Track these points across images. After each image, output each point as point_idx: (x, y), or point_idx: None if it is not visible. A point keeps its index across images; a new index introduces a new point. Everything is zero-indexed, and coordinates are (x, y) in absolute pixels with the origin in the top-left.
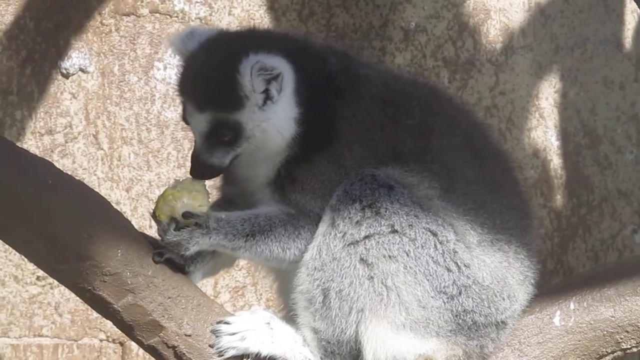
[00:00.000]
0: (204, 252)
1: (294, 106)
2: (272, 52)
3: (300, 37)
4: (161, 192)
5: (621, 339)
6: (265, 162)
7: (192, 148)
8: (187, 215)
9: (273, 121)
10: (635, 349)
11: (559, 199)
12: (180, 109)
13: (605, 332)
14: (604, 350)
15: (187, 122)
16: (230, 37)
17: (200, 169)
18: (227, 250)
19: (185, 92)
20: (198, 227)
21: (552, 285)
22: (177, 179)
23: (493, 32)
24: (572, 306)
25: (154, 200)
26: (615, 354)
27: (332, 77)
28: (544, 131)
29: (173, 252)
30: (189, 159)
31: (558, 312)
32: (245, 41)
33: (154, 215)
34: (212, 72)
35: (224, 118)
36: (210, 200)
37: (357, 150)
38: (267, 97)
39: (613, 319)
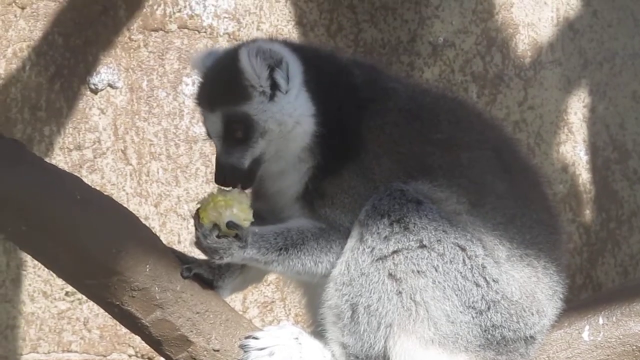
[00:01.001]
0: (233, 266)
1: (308, 101)
2: (275, 43)
3: (317, 46)
4: (207, 197)
5: None
6: (292, 172)
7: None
8: (231, 225)
9: (287, 112)
10: None
11: (588, 214)
12: (202, 123)
13: (634, 347)
14: None
15: (209, 135)
16: (240, 44)
17: (221, 173)
18: (260, 265)
19: (200, 100)
20: (237, 240)
21: (581, 300)
22: (221, 189)
23: (521, 47)
24: (601, 321)
25: (183, 216)
26: None
27: (356, 88)
28: (572, 146)
29: (202, 267)
30: None
31: (587, 327)
32: (250, 42)
33: (196, 216)
34: (219, 72)
35: (233, 112)
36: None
37: (385, 164)
38: (275, 87)
39: None
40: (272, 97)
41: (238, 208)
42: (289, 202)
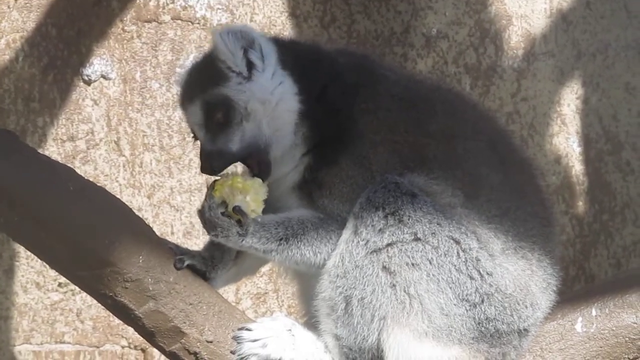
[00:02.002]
0: (226, 258)
1: (287, 78)
2: (245, 26)
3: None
4: (229, 174)
5: None
6: (288, 160)
7: None
8: (237, 210)
9: (267, 90)
10: None
11: (580, 206)
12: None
13: (627, 339)
14: (626, 356)
15: (193, 132)
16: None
17: (207, 162)
18: (258, 253)
19: (180, 99)
20: (238, 225)
21: (574, 291)
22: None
23: (515, 39)
24: (594, 312)
25: (176, 207)
26: None
27: (341, 73)
28: (565, 137)
29: (195, 258)
30: None
31: (580, 319)
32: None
33: (211, 187)
34: (194, 66)
35: (210, 96)
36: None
37: (382, 153)
38: (251, 67)
39: (635, 325)
40: (249, 78)
41: (252, 197)
42: (287, 192)
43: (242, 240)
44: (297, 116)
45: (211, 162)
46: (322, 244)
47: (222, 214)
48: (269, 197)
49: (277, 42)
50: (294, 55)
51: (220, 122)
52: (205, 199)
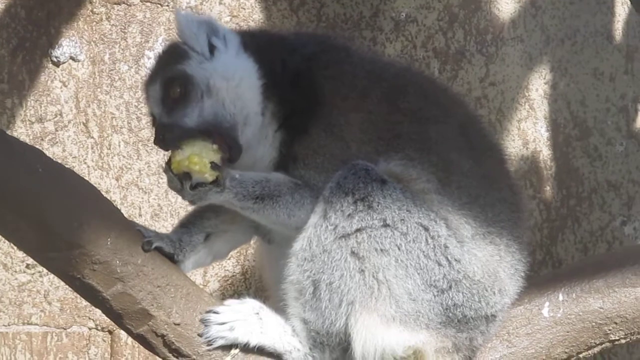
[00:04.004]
0: (194, 240)
1: (248, 59)
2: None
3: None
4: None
5: (609, 330)
6: (261, 140)
7: None
8: (214, 166)
9: (230, 68)
10: (623, 341)
11: (548, 191)
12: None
13: (593, 324)
14: (593, 341)
15: (152, 114)
16: None
17: (160, 134)
18: (236, 208)
19: (144, 86)
20: (214, 185)
21: (541, 276)
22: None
23: (483, 23)
24: (560, 297)
25: (144, 189)
26: (603, 345)
27: (297, 47)
28: (533, 122)
29: (163, 240)
30: None
31: (547, 304)
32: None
33: (168, 170)
34: (159, 53)
35: (169, 73)
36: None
37: (354, 121)
38: (214, 50)
39: (602, 310)
40: (211, 59)
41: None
42: (266, 170)
43: (221, 196)
44: (261, 94)
45: (164, 135)
46: (296, 208)
47: (192, 187)
48: None
49: (238, 32)
50: (253, 40)
51: (177, 97)
52: (173, 185)
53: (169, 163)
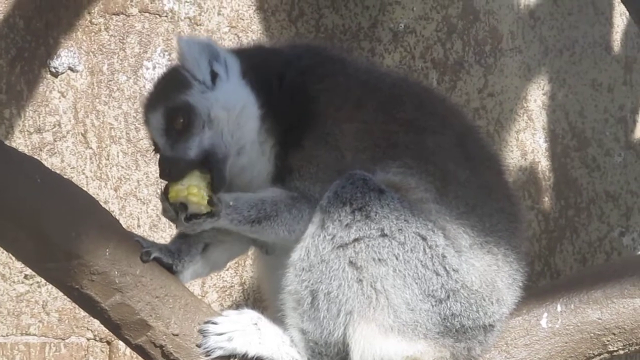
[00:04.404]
0: (193, 251)
1: (247, 86)
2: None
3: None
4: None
5: (608, 341)
6: (258, 158)
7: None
8: (210, 202)
9: (232, 97)
10: (621, 352)
11: (546, 201)
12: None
13: (592, 335)
14: (591, 352)
15: (154, 144)
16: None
17: (165, 169)
18: (233, 231)
19: (144, 110)
20: (209, 217)
21: (539, 287)
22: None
23: (482, 34)
24: (559, 308)
25: (142, 200)
26: (601, 356)
27: (291, 60)
28: (532, 133)
29: (161, 251)
30: None
31: (545, 314)
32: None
33: (165, 195)
34: (158, 80)
35: (172, 103)
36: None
37: (348, 131)
38: (215, 78)
39: (600, 321)
40: (212, 87)
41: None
42: (263, 184)
43: (216, 223)
44: (260, 122)
45: (170, 169)
46: (295, 222)
47: (187, 218)
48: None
49: (236, 53)
50: (251, 61)
51: (181, 129)
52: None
53: (165, 192)
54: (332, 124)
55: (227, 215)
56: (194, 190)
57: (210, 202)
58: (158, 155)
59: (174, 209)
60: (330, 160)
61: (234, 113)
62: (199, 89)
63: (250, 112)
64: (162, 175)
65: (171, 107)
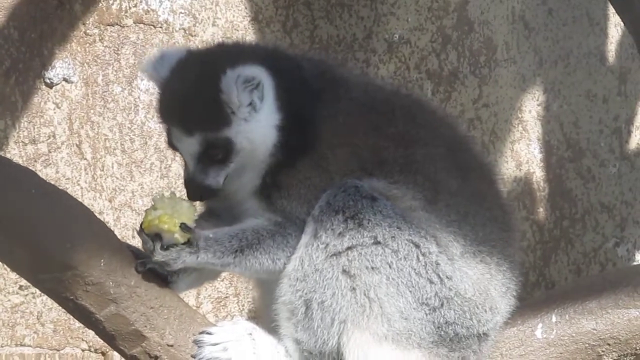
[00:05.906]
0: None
1: (275, 112)
2: (248, 62)
3: (270, 45)
4: (150, 208)
5: (602, 352)
6: (250, 172)
7: (184, 171)
8: (184, 227)
9: (258, 130)
10: None
11: (541, 212)
12: (165, 135)
13: (587, 345)
14: None
15: (174, 148)
16: (203, 56)
17: (198, 192)
18: (217, 267)
19: (169, 118)
20: (187, 246)
21: (534, 297)
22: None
23: (477, 45)
24: (554, 319)
25: (137, 211)
26: None
27: (307, 81)
28: (527, 144)
29: (156, 262)
30: (172, 169)
31: (540, 325)
32: (219, 57)
33: (141, 232)
34: (195, 95)
35: (214, 137)
36: (195, 215)
37: (340, 155)
38: (252, 108)
39: (595, 331)
40: (249, 118)
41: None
42: (247, 197)
43: (198, 257)
44: (273, 147)
45: (201, 195)
46: (280, 249)
47: (164, 247)
48: (228, 202)
49: (271, 67)
50: (282, 83)
51: (216, 160)
52: (145, 246)
53: (142, 224)
54: (326, 147)
55: (208, 247)
56: (164, 218)
57: (184, 229)
58: (178, 155)
59: (151, 240)
60: (320, 183)
61: (255, 144)
62: (237, 123)
63: (270, 140)
64: (195, 199)
65: (212, 142)
